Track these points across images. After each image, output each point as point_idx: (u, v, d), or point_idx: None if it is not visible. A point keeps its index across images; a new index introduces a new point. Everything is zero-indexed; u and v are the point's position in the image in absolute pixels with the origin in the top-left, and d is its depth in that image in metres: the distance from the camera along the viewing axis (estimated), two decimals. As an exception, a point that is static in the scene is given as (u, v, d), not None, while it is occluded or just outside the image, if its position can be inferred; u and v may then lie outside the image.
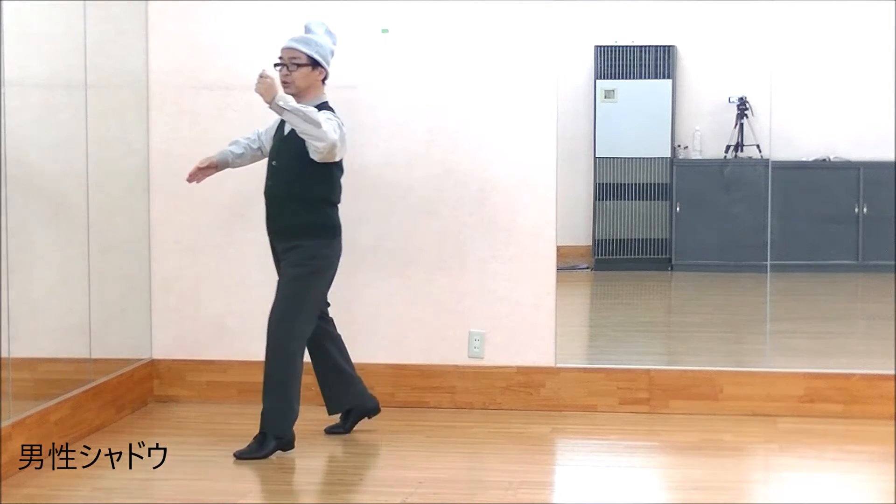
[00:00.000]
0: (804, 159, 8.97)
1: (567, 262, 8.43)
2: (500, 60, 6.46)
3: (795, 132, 8.66)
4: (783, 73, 7.29)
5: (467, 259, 6.53)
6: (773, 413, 6.37)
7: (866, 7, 8.37)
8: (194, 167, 5.93)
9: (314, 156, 5.56)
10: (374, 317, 6.58)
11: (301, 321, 5.69)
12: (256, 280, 6.44)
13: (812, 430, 6.17)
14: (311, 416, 6.05)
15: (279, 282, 5.74)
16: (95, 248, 6.14)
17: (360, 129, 6.52)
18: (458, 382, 6.55)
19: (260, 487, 5.36)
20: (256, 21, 6.54)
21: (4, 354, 5.31)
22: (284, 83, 5.68)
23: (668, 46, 9.17)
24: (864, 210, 8.93)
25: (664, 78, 9.17)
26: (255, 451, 5.62)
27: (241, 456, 5.61)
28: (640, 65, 9.23)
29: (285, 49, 5.72)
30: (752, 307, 7.40)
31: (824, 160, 9.06)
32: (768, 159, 7.32)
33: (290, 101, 5.53)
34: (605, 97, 9.15)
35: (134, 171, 6.59)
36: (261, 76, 5.50)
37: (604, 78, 9.17)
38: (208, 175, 5.97)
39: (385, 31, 6.51)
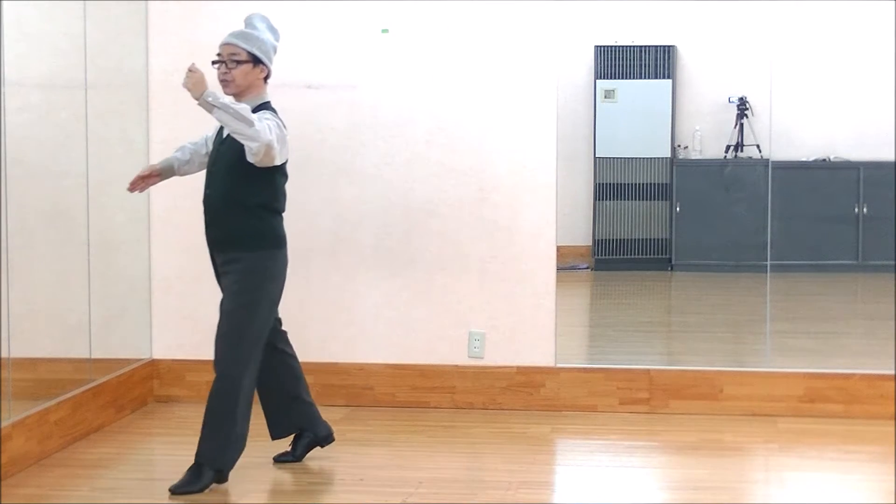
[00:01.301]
0: (804, 159, 8.98)
1: (567, 262, 8.43)
2: (500, 60, 6.46)
3: (795, 132, 8.67)
4: (783, 73, 7.29)
5: (467, 259, 6.52)
6: (773, 413, 6.37)
7: (866, 7, 8.37)
8: (136, 176, 5.52)
9: (250, 158, 5.07)
10: (374, 317, 6.58)
11: (246, 346, 5.21)
12: (256, 280, 6.43)
13: (812, 430, 6.17)
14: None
15: (222, 301, 5.28)
16: (95, 248, 6.14)
17: (360, 129, 6.54)
18: (458, 382, 6.55)
19: (260, 487, 5.35)
20: (256, 21, 6.54)
21: (4, 354, 5.31)
22: (224, 81, 5.25)
23: (668, 46, 9.17)
24: (864, 210, 8.93)
25: (664, 78, 9.17)
26: (191, 484, 5.17)
27: (176, 490, 5.16)
28: (640, 65, 9.22)
29: (224, 45, 5.27)
30: (752, 307, 7.40)
31: (824, 160, 9.06)
32: (768, 159, 7.32)
33: (222, 98, 5.08)
34: (605, 97, 9.15)
35: (134, 171, 6.54)
36: (190, 70, 5.06)
37: (604, 78, 9.17)
38: (152, 184, 5.56)
39: (385, 31, 6.51)
